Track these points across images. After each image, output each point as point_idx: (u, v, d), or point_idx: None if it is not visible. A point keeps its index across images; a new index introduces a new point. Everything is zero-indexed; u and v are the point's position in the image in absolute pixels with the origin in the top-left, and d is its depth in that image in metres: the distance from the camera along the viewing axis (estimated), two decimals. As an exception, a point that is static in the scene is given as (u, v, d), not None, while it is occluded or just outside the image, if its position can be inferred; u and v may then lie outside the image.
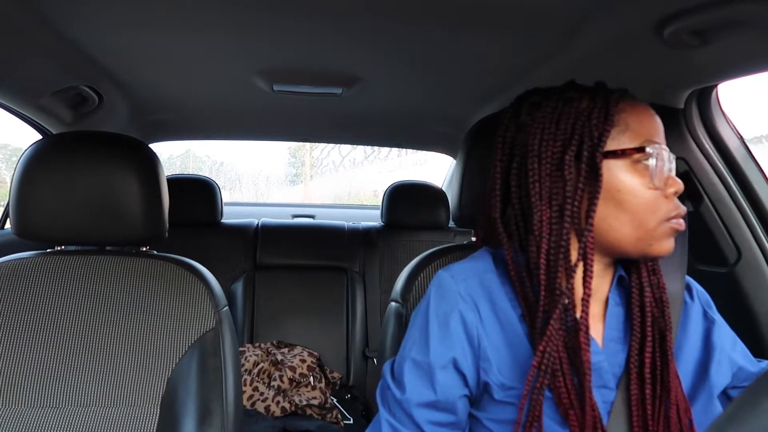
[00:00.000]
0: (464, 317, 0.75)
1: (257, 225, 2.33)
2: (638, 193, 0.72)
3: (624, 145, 0.72)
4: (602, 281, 0.78)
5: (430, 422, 0.74)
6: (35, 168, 1.01)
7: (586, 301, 0.70)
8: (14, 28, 1.10)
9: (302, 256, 2.27)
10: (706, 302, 0.86)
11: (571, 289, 0.71)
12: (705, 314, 0.83)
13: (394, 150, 6.58)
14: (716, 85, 1.19)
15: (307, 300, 2.18)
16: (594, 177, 0.72)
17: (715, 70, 1.07)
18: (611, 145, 0.72)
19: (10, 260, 1.06)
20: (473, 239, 1.14)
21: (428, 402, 0.74)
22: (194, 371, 1.00)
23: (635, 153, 0.72)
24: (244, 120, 2.17)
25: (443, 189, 2.45)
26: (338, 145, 7.60)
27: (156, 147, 2.19)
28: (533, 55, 1.26)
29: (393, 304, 1.06)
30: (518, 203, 0.77)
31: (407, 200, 2.30)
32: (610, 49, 1.11)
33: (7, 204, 1.28)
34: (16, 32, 1.12)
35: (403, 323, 1.01)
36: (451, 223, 2.32)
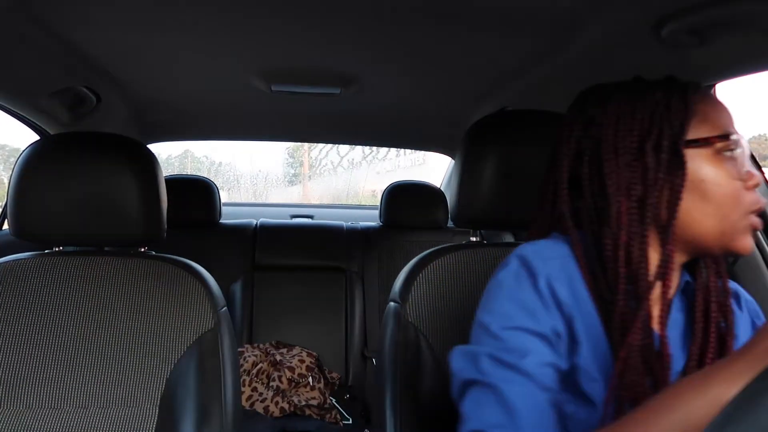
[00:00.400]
0: (556, 292, 0.71)
1: (256, 225, 2.33)
2: (723, 183, 0.70)
3: (705, 134, 0.71)
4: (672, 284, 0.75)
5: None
6: (33, 169, 1.01)
7: (666, 301, 0.69)
8: (11, 29, 1.10)
9: (301, 257, 2.27)
10: (755, 312, 0.83)
11: (651, 286, 0.68)
12: (753, 324, 0.81)
13: (393, 150, 6.56)
14: (714, 85, 1.19)
15: (306, 300, 2.18)
16: (676, 167, 0.70)
17: (713, 69, 1.07)
18: (692, 134, 0.71)
19: (8, 261, 1.05)
20: (472, 239, 1.14)
21: (548, 362, 0.68)
22: (193, 372, 0.99)
23: (718, 141, 0.70)
24: (243, 120, 2.17)
25: (442, 189, 2.46)
26: (336, 145, 7.60)
27: (154, 147, 2.19)
28: (530, 55, 1.26)
29: (392, 304, 1.06)
30: (591, 196, 0.75)
31: (406, 200, 2.30)
32: (607, 48, 1.11)
33: (5, 205, 1.28)
34: (13, 33, 1.12)
35: (401, 323, 1.01)
36: (450, 223, 2.32)
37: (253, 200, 7.12)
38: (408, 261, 1.10)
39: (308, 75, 1.51)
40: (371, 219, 2.56)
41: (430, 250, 1.09)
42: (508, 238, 2.29)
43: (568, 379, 0.70)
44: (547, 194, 0.81)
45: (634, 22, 0.98)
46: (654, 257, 0.71)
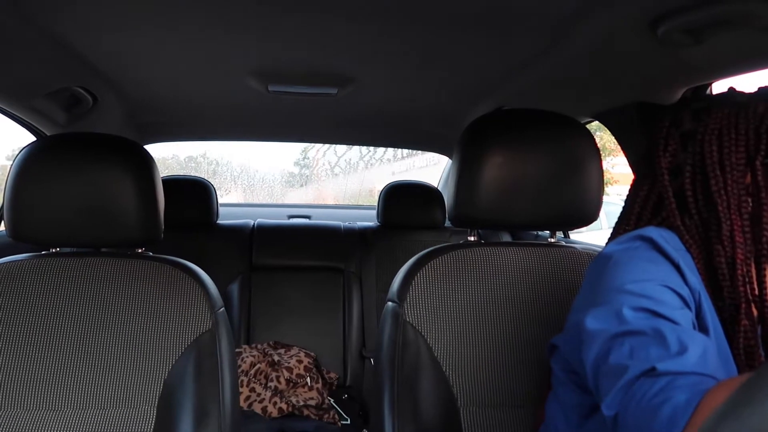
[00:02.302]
0: (688, 281, 0.70)
1: (253, 226, 2.33)
2: None
3: None
4: None
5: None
6: (30, 170, 1.00)
7: None
8: (6, 30, 1.10)
9: (298, 257, 2.27)
10: None
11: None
12: None
13: (405, 150, 6.56)
14: (710, 84, 1.20)
15: (304, 300, 2.18)
16: None
17: (709, 68, 1.07)
18: None
19: (4, 263, 1.05)
20: (470, 238, 1.14)
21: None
22: (191, 373, 0.99)
23: None
24: (240, 121, 2.17)
25: (439, 189, 2.46)
26: (333, 145, 7.61)
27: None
28: (527, 54, 1.27)
29: (390, 303, 1.06)
30: (697, 213, 0.74)
31: (403, 200, 2.30)
32: (603, 48, 1.12)
33: (1, 206, 1.28)
34: (7, 34, 1.12)
35: (399, 323, 1.02)
36: (448, 223, 2.32)
37: (269, 201, 7.14)
38: (406, 261, 1.10)
39: (305, 75, 1.51)
40: (369, 219, 2.57)
41: (428, 249, 1.09)
42: (506, 237, 2.29)
43: None
44: (633, 207, 0.81)
45: (629, 22, 0.98)
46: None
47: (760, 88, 0.77)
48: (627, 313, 0.64)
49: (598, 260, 0.75)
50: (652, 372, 0.58)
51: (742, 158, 0.71)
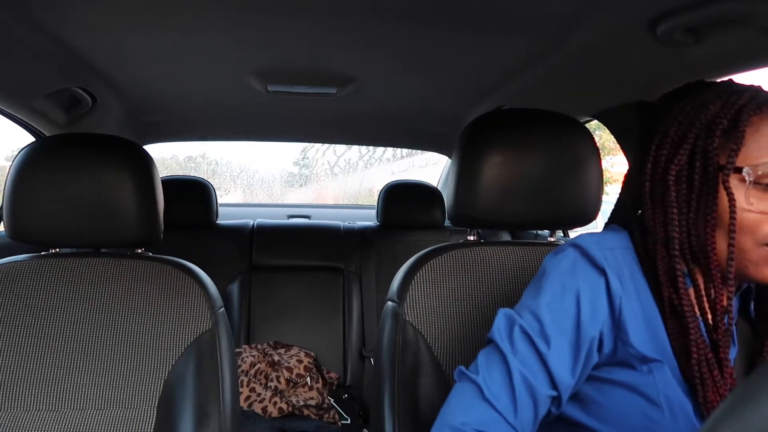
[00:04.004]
0: (610, 285, 0.74)
1: (253, 225, 2.33)
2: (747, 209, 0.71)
3: (747, 162, 0.70)
4: None
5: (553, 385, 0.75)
6: (29, 171, 1.00)
7: (724, 333, 0.72)
8: (4, 30, 1.10)
9: (298, 257, 2.27)
10: None
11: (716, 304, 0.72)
12: None
13: (404, 150, 6.56)
14: (709, 83, 1.20)
15: (304, 300, 2.18)
16: (709, 193, 0.71)
17: (709, 67, 1.07)
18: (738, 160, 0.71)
19: (4, 263, 1.05)
20: (470, 238, 1.14)
21: (568, 367, 0.74)
22: (191, 373, 0.99)
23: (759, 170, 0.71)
24: (239, 121, 2.17)
25: (438, 188, 2.46)
26: (333, 145, 7.60)
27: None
28: (526, 54, 1.27)
29: (389, 303, 1.06)
30: (651, 217, 0.77)
31: (403, 200, 2.30)
32: (603, 47, 1.12)
33: (0, 207, 1.28)
34: (6, 34, 1.12)
35: (399, 322, 1.01)
36: (447, 222, 2.32)
37: (269, 200, 7.13)
38: (405, 260, 1.10)
39: (304, 75, 1.51)
40: (368, 219, 2.57)
41: (428, 249, 1.09)
42: (506, 237, 2.29)
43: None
44: (616, 207, 0.86)
45: (629, 21, 0.98)
46: (701, 281, 0.74)
47: (727, 83, 0.77)
48: (511, 360, 0.74)
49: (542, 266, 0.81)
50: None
51: (670, 157, 0.74)
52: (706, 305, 0.72)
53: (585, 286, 0.74)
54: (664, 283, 0.73)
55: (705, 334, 0.72)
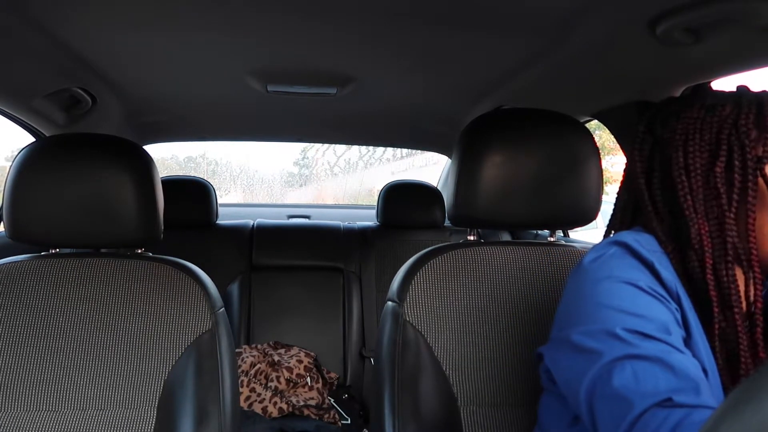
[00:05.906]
0: (662, 277, 0.70)
1: (252, 226, 2.33)
2: None
3: None
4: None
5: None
6: (29, 171, 1.00)
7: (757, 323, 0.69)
8: (4, 30, 1.10)
9: (298, 257, 2.27)
10: None
11: (741, 306, 0.69)
12: None
13: (404, 150, 6.57)
14: (709, 83, 1.20)
15: (304, 300, 2.18)
16: (748, 186, 0.69)
17: (709, 67, 1.07)
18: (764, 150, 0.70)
19: (4, 264, 1.05)
20: (470, 238, 1.14)
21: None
22: (191, 373, 0.99)
23: None
24: (239, 120, 2.17)
25: (438, 188, 2.46)
26: (333, 145, 7.60)
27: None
28: (526, 54, 1.27)
29: (389, 303, 1.06)
30: (668, 218, 0.75)
31: (403, 199, 2.30)
32: (603, 47, 1.12)
33: (0, 207, 1.28)
34: (6, 35, 1.12)
35: (399, 322, 1.02)
36: (447, 222, 2.32)
37: (269, 200, 7.13)
38: (405, 260, 1.10)
39: (304, 75, 1.51)
40: (368, 219, 2.57)
41: (428, 249, 1.09)
42: (506, 236, 2.30)
43: None
44: (617, 210, 0.83)
45: (629, 21, 0.98)
46: (741, 277, 0.71)
47: (738, 88, 0.77)
48: (622, 333, 0.64)
49: (578, 271, 0.75)
50: (667, 403, 0.58)
51: (705, 164, 0.72)
52: (743, 300, 0.70)
53: (641, 276, 0.69)
54: (711, 282, 0.69)
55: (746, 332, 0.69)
